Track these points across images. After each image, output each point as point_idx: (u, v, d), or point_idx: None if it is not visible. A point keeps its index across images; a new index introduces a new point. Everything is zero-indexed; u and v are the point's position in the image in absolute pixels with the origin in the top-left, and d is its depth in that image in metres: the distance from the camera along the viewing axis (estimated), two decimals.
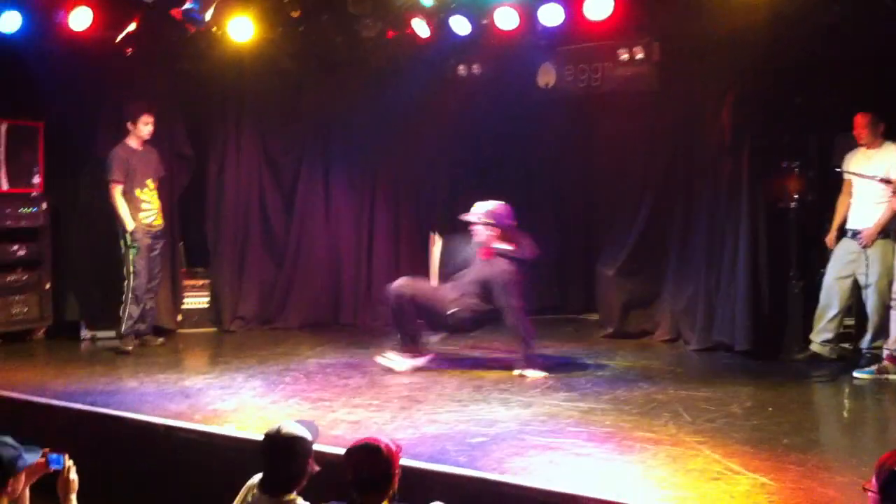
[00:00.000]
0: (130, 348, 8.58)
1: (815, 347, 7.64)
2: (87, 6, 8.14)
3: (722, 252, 8.23)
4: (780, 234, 8.06)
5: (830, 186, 7.83)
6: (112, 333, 8.87)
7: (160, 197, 8.95)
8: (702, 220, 8.50)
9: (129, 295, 8.60)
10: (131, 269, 8.59)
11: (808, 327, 7.72)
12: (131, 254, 8.57)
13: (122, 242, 8.61)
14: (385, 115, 9.77)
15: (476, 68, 9.66)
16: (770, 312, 7.97)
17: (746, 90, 8.03)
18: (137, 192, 8.66)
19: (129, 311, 8.61)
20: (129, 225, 8.54)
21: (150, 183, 8.76)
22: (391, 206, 10.32)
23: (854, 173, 7.43)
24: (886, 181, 7.15)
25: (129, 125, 8.67)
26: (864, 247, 7.30)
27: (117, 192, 8.56)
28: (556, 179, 10.41)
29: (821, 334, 7.61)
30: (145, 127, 8.65)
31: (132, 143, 8.70)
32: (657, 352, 8.57)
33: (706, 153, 8.46)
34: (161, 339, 9.02)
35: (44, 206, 9.22)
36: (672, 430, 5.77)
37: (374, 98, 9.71)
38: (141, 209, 8.66)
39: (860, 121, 7.39)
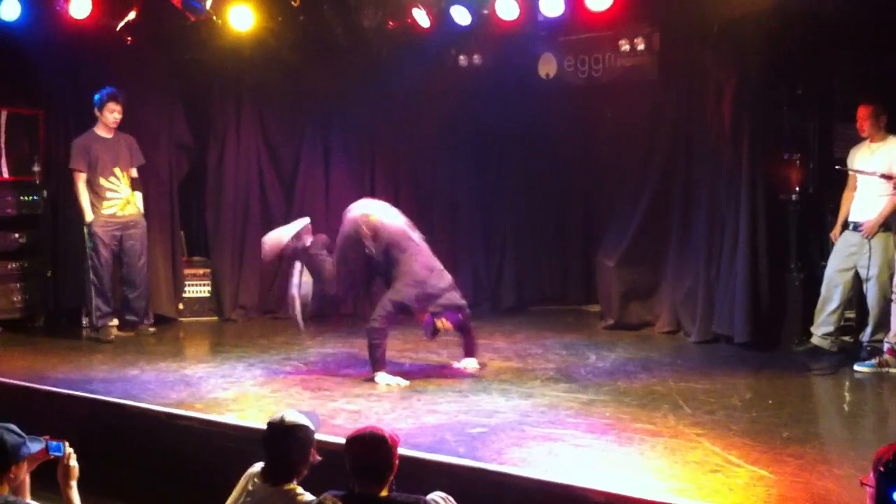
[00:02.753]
0: (112, 338, 8.55)
1: (815, 340, 7.60)
2: None
3: (722, 243, 8.20)
4: (781, 225, 8.05)
5: (830, 178, 7.81)
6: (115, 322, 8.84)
7: (142, 185, 8.86)
8: (702, 211, 8.48)
9: (91, 288, 8.56)
10: (89, 262, 8.55)
11: (808, 320, 7.69)
12: (87, 247, 8.53)
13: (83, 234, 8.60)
14: (385, 104, 9.80)
15: (476, 58, 9.66)
16: (770, 304, 7.94)
17: (747, 79, 8.01)
18: (101, 180, 8.55)
19: (96, 303, 8.55)
20: (87, 217, 8.49)
21: (117, 171, 8.62)
22: (390, 194, 10.25)
23: (854, 170, 7.39)
24: (887, 177, 7.11)
25: (97, 112, 8.57)
26: (866, 237, 7.27)
27: (79, 181, 8.50)
28: (556, 170, 10.38)
29: (821, 327, 7.58)
30: (111, 115, 8.54)
31: (100, 131, 8.61)
32: (657, 343, 8.56)
33: (706, 143, 8.44)
34: (153, 329, 8.94)
35: (44, 194, 9.24)
36: (671, 422, 5.77)
37: (374, 86, 9.69)
38: (105, 198, 8.57)
39: (862, 113, 7.33)
